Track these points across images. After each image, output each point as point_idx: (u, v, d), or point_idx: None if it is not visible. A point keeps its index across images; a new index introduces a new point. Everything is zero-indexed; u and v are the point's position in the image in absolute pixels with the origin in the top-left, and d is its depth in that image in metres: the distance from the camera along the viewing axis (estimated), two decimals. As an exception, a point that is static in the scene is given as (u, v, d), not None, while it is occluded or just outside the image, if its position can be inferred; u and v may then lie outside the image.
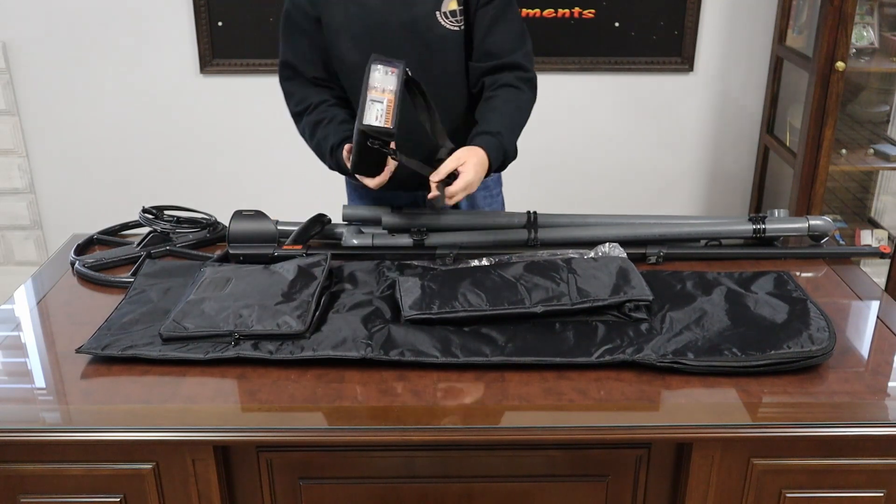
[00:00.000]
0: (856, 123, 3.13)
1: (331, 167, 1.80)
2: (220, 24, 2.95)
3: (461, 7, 1.72)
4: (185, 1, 2.92)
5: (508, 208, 2.03)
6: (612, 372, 1.35)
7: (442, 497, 1.35)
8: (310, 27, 1.76)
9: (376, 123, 1.52)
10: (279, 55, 1.82)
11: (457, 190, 1.59)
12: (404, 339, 1.39)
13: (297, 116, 1.83)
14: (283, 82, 1.84)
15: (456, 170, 1.59)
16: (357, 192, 1.98)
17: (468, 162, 1.60)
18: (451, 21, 1.72)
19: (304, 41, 1.78)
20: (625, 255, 1.65)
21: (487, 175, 1.69)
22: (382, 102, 1.53)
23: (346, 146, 1.69)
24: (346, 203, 1.90)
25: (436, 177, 1.59)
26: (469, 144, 1.66)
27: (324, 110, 1.79)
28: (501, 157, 1.70)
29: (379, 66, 1.54)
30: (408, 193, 1.90)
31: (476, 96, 1.81)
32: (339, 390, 1.31)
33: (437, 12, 1.71)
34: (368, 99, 1.52)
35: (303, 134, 1.83)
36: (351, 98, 1.83)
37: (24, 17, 2.95)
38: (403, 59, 1.59)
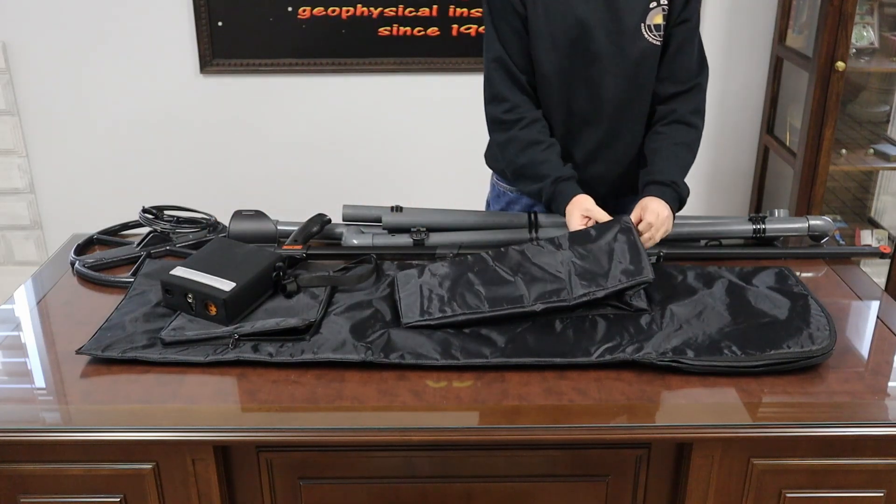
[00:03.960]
0: (856, 123, 3.13)
1: (536, 192, 1.70)
2: (220, 24, 2.95)
3: (665, 22, 1.66)
4: (185, 1, 2.92)
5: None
6: (612, 372, 1.35)
7: (442, 497, 1.35)
8: (517, 23, 1.66)
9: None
10: (486, 49, 1.71)
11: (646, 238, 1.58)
12: (404, 343, 1.39)
13: (502, 124, 1.72)
14: (493, 73, 1.71)
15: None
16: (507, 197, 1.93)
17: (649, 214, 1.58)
18: (653, 35, 1.66)
19: (513, 37, 1.67)
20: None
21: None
22: None
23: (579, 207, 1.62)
24: (345, 203, 1.89)
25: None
26: (646, 194, 1.63)
27: (541, 131, 1.70)
28: (678, 204, 1.66)
29: None
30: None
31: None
32: (339, 390, 1.31)
33: (643, 24, 1.65)
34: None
35: (502, 143, 1.73)
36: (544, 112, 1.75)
37: (24, 17, 2.95)
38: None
